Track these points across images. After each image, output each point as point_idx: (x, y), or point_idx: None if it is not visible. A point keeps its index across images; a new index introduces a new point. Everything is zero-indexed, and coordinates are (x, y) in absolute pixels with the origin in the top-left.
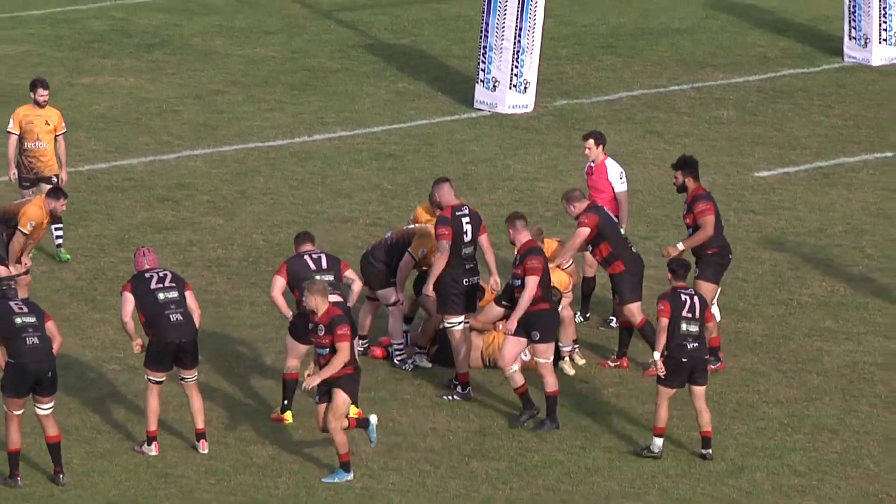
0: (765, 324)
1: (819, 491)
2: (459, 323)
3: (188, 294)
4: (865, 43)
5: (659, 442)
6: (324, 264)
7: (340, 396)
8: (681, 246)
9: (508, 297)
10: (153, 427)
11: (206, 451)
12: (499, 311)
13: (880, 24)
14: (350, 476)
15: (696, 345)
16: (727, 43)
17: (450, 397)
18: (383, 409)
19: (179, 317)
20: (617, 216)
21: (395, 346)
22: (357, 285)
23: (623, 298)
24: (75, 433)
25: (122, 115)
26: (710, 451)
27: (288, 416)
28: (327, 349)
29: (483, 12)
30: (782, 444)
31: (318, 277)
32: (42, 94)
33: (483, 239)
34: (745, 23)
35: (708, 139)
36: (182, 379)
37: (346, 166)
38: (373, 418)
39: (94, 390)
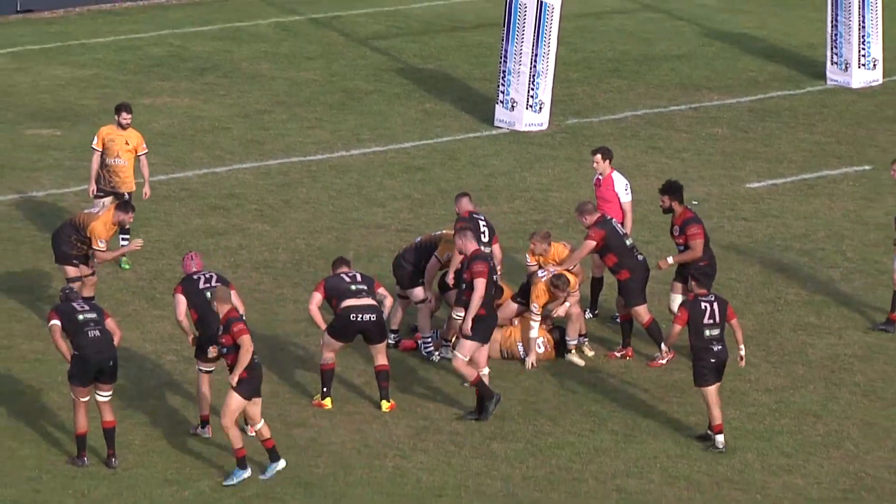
0: (755, 320)
1: (804, 470)
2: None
3: (233, 293)
4: (846, 67)
5: (721, 438)
6: (358, 279)
7: (234, 398)
8: (670, 259)
9: (523, 295)
10: (205, 412)
11: (209, 435)
12: (514, 307)
13: (859, 51)
14: (247, 473)
15: (720, 347)
16: (721, 68)
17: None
18: (413, 395)
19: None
20: (622, 223)
21: (424, 340)
22: (388, 301)
23: (629, 302)
24: (136, 417)
25: (179, 132)
26: (723, 442)
27: (328, 402)
28: (227, 349)
29: (503, 40)
30: (771, 427)
31: (353, 287)
32: (125, 117)
33: (496, 248)
34: (738, 49)
35: (704, 154)
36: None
37: (380, 178)
38: (280, 464)
39: (154, 379)
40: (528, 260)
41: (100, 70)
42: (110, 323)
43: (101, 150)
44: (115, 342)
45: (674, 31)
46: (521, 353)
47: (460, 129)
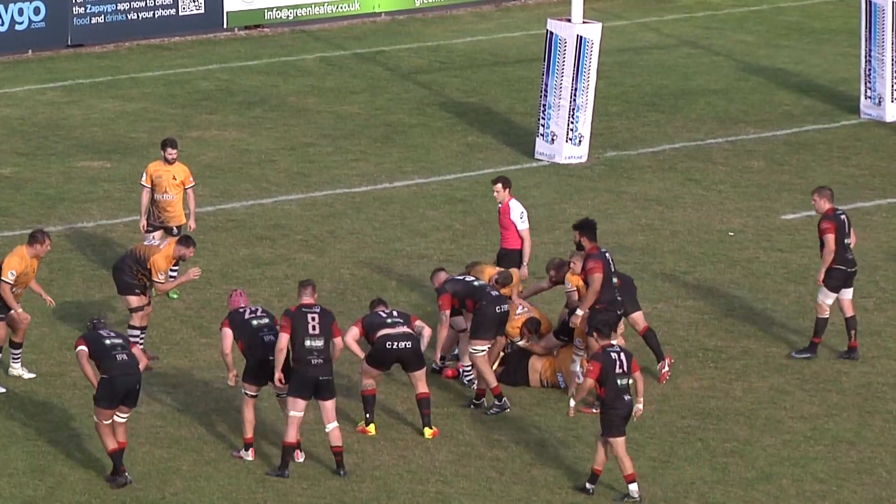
0: (790, 348)
1: (838, 496)
2: (484, 350)
3: (277, 325)
4: (879, 102)
5: (634, 487)
6: (395, 314)
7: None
8: (579, 312)
9: (565, 331)
10: (249, 435)
11: (300, 460)
12: (556, 342)
13: (893, 85)
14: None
15: (629, 397)
16: (757, 102)
17: (492, 411)
18: (454, 422)
19: (272, 337)
20: (520, 250)
21: (465, 368)
22: (427, 332)
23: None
24: (184, 443)
25: (226, 164)
26: (637, 491)
27: (371, 428)
28: None
29: (543, 74)
30: (805, 454)
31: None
32: (171, 152)
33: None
34: (773, 84)
35: (740, 186)
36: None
37: (423, 209)
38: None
39: (202, 405)
40: (569, 285)
41: (149, 103)
42: (136, 351)
43: (149, 186)
44: (141, 368)
45: (711, 65)
46: (561, 382)
47: (502, 161)
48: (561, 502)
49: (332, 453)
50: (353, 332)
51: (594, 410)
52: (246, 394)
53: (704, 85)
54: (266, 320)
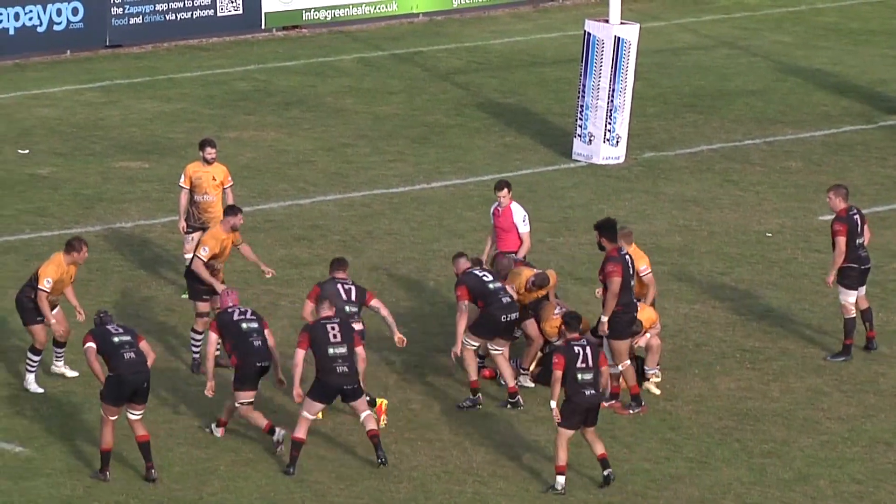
0: (828, 350)
1: (875, 497)
2: (476, 345)
3: (266, 332)
4: None
5: (561, 479)
6: (353, 296)
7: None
8: (604, 319)
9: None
10: (264, 423)
11: (220, 436)
12: (594, 340)
13: None
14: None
15: (591, 391)
16: (795, 102)
17: (464, 404)
18: (491, 423)
19: (260, 343)
20: (517, 252)
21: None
22: (384, 311)
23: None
24: (222, 443)
25: (264, 164)
26: (611, 470)
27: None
28: None
29: (580, 75)
30: (843, 455)
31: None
32: (210, 152)
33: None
34: (811, 85)
35: (778, 187)
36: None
37: (460, 210)
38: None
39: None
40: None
41: (187, 104)
42: (144, 345)
43: (188, 187)
44: (149, 364)
45: (749, 66)
46: None
47: (539, 162)
48: (597, 502)
49: (368, 439)
50: (308, 308)
51: (630, 412)
52: (241, 404)
53: (742, 86)
54: (255, 324)
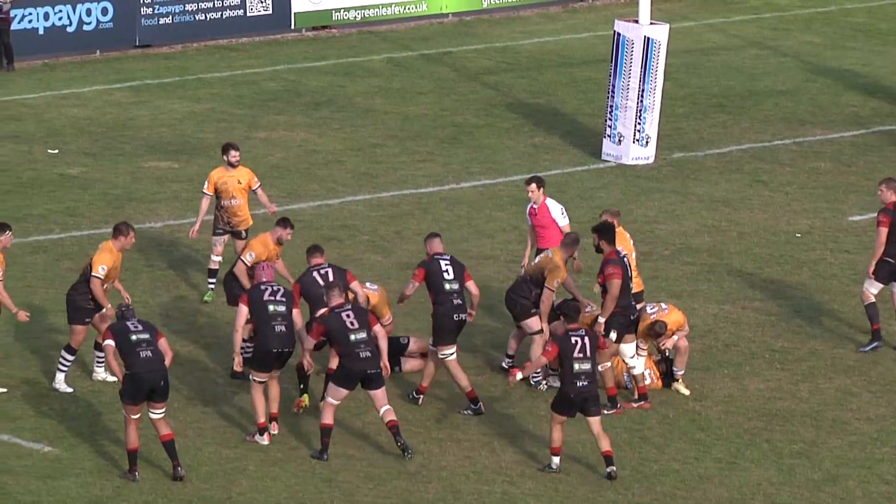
0: (857, 350)
1: None
2: (452, 353)
3: (295, 312)
4: None
5: (556, 460)
6: (331, 277)
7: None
8: (601, 319)
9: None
10: (262, 419)
11: (276, 432)
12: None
13: None
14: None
15: (586, 382)
16: (824, 103)
17: (465, 412)
18: (520, 423)
19: (283, 329)
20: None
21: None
22: (360, 297)
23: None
24: (251, 444)
25: (294, 164)
26: (614, 468)
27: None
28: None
29: (610, 76)
30: (872, 455)
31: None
32: (234, 155)
33: (470, 284)
34: (841, 86)
35: (807, 187)
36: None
37: (489, 210)
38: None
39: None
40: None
41: (216, 104)
42: (163, 343)
43: (211, 193)
44: (167, 362)
45: (778, 67)
46: (627, 382)
47: (568, 162)
48: (626, 502)
49: (388, 430)
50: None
51: (604, 412)
52: (253, 379)
53: (771, 86)
54: (282, 308)
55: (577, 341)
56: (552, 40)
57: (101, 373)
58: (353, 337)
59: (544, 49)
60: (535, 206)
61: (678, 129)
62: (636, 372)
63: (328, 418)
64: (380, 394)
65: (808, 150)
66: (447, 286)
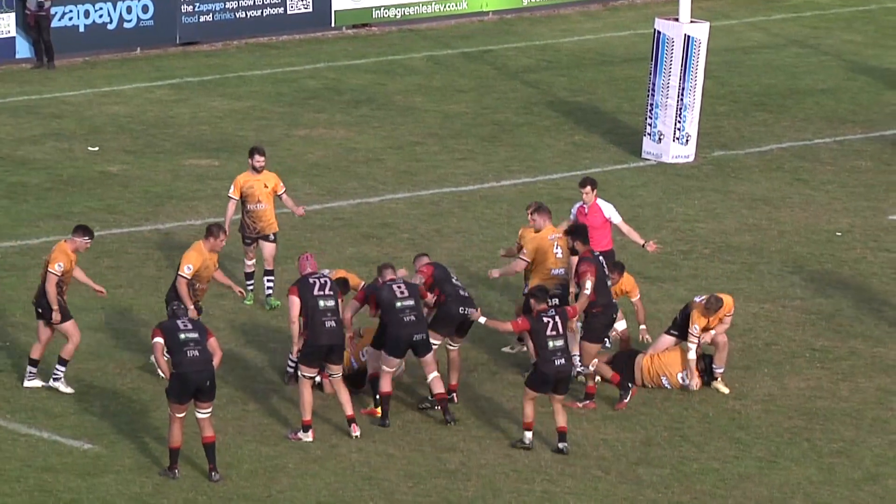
0: None
1: None
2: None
3: (340, 302)
4: None
5: (528, 435)
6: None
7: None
8: (575, 319)
9: (677, 327)
10: (307, 416)
11: (357, 434)
12: (669, 339)
13: None
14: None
15: (562, 360)
16: (865, 102)
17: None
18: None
19: (333, 324)
20: (611, 250)
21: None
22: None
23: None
24: (292, 442)
25: (333, 162)
26: (567, 444)
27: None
28: None
29: (650, 74)
30: None
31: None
32: (259, 160)
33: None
34: (882, 84)
35: (848, 186)
36: (331, 375)
37: None
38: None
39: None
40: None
41: (256, 102)
42: (213, 343)
43: (237, 198)
44: (215, 363)
45: (819, 65)
46: (665, 382)
47: (608, 160)
48: (666, 501)
49: (437, 401)
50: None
51: (579, 405)
52: (303, 375)
53: (812, 85)
54: (332, 303)
55: (548, 321)
56: (592, 38)
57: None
58: (398, 304)
59: (584, 47)
60: (585, 206)
61: (718, 128)
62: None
63: (386, 386)
64: (429, 359)
65: (848, 149)
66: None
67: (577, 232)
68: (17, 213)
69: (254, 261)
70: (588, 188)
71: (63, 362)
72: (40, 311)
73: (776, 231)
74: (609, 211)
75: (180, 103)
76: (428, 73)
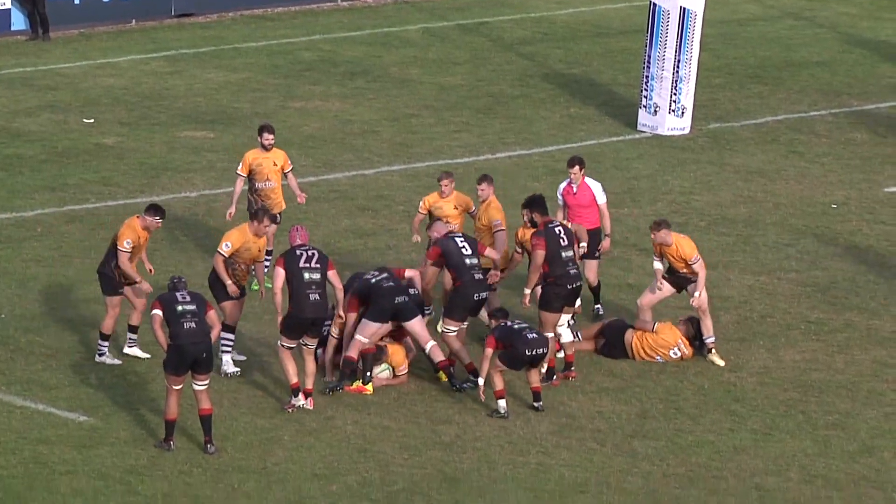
0: (893, 321)
1: None
2: (455, 331)
3: (330, 274)
4: None
5: (502, 403)
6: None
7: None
8: (527, 291)
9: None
10: (294, 380)
11: (311, 407)
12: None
13: None
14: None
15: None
16: (861, 74)
17: (465, 385)
18: (556, 394)
19: (318, 297)
20: (597, 229)
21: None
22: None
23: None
24: (286, 414)
25: (329, 135)
26: (541, 403)
27: (369, 387)
28: None
29: (646, 46)
30: None
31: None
32: (268, 138)
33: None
34: (877, 56)
35: (843, 158)
36: (304, 344)
37: (525, 181)
38: None
39: (302, 378)
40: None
41: (252, 74)
42: (212, 315)
43: (245, 175)
44: (213, 335)
45: (815, 38)
46: (658, 360)
47: (604, 132)
48: (661, 474)
49: (439, 368)
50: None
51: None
52: (282, 345)
53: (808, 57)
54: (317, 275)
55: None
56: (588, 10)
57: (230, 365)
58: (468, 262)
59: (580, 19)
60: (573, 185)
61: (714, 100)
62: (564, 340)
63: (354, 352)
64: (417, 326)
65: (844, 122)
66: (469, 261)
67: (535, 203)
68: (12, 185)
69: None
70: (577, 168)
71: (133, 329)
72: (103, 284)
73: (771, 203)
74: (597, 190)
75: (175, 75)
76: (423, 45)
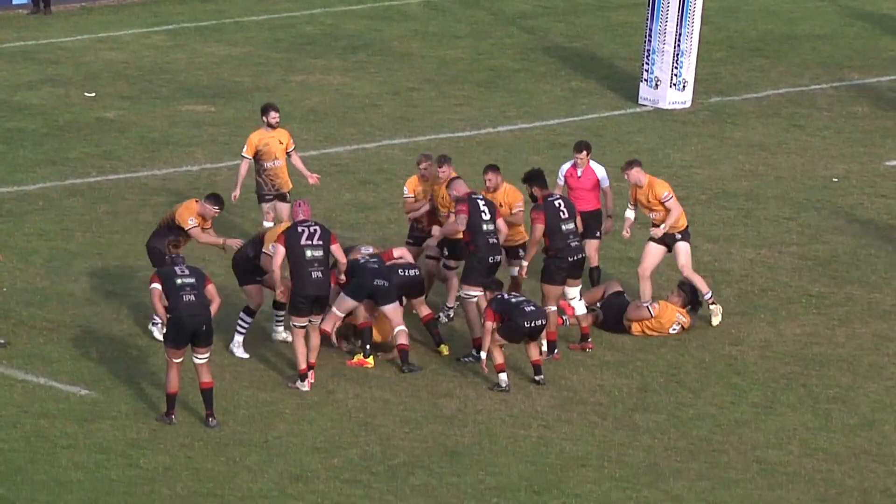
0: (894, 295)
1: None
2: (475, 296)
3: (334, 248)
4: None
5: (503, 376)
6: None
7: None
8: (524, 263)
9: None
10: (303, 365)
11: (313, 381)
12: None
13: None
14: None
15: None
16: (862, 47)
17: (467, 359)
18: (557, 368)
19: (319, 275)
20: (598, 211)
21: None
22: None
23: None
24: (289, 388)
25: (330, 108)
26: (542, 377)
27: (370, 360)
28: None
29: (647, 19)
30: None
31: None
32: (273, 116)
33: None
34: (879, 29)
35: (844, 132)
36: (309, 321)
37: (526, 154)
38: None
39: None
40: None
41: (253, 48)
42: (211, 289)
43: (251, 157)
44: (213, 308)
45: (816, 11)
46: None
47: (605, 106)
48: (662, 447)
49: (398, 352)
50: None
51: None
52: (294, 325)
53: (809, 30)
54: (320, 252)
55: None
56: None
57: (280, 333)
58: (485, 227)
59: None
60: (578, 168)
61: (715, 74)
62: (579, 312)
63: (329, 326)
64: (391, 311)
65: (845, 95)
66: (486, 227)
67: (535, 177)
68: (13, 159)
69: (272, 223)
70: (584, 153)
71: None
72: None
73: (773, 177)
74: (602, 173)
75: (177, 49)
76: (424, 18)
